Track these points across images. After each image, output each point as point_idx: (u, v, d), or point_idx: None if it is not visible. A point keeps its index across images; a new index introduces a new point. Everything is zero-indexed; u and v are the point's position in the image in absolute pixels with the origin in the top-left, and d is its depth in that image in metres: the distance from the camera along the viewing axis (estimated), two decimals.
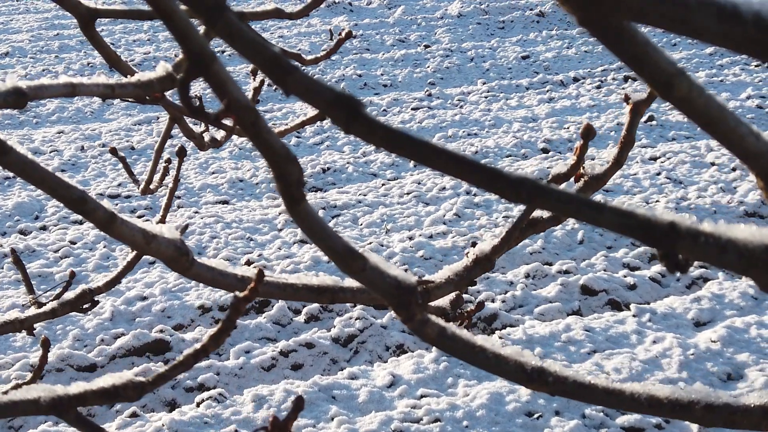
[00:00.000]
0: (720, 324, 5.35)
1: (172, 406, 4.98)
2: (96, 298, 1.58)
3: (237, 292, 0.79)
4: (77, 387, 0.74)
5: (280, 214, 7.48)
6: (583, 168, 1.17)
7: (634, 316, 5.52)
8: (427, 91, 11.20)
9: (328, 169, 8.62)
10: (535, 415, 4.62)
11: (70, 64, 12.92)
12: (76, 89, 1.02)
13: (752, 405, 0.68)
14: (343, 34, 1.81)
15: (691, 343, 5.13)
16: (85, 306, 1.57)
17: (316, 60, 1.82)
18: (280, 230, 7.20)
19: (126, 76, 1.69)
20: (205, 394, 4.93)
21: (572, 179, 1.22)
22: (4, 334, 1.57)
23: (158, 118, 10.32)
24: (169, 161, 2.05)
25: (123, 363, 5.37)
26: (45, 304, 1.56)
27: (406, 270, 6.36)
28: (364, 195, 7.87)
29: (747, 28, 0.45)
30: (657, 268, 6.27)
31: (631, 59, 0.50)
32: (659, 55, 0.50)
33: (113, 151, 2.04)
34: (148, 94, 1.08)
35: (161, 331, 5.61)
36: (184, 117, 1.88)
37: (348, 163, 8.74)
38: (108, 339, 5.57)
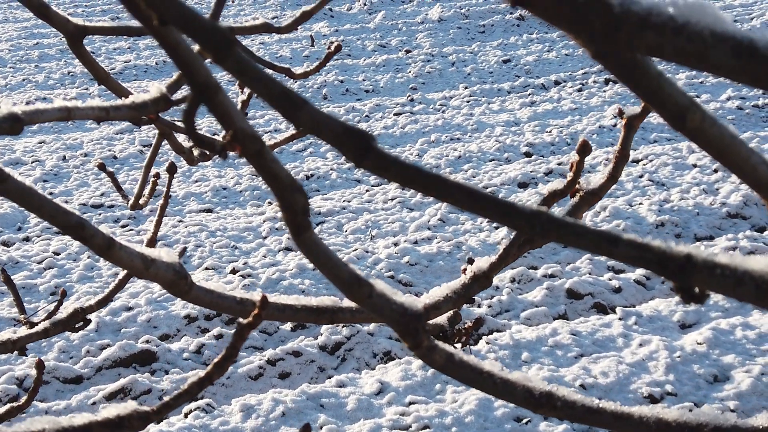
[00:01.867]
0: (705, 326, 5.37)
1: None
2: (88, 317, 1.56)
3: (240, 319, 0.79)
4: (82, 418, 0.73)
5: (264, 221, 7.46)
6: (579, 183, 1.17)
7: (620, 319, 5.54)
8: (409, 96, 11.20)
9: (312, 176, 8.61)
10: (524, 421, 4.62)
11: (50, 74, 12.86)
12: (72, 113, 1.01)
13: (760, 427, 0.68)
14: (333, 48, 1.80)
15: (678, 346, 5.15)
16: (77, 325, 1.56)
17: (305, 74, 1.81)
18: (265, 238, 7.18)
19: (115, 93, 1.68)
20: (193, 405, 4.91)
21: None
22: None
23: (140, 127, 10.27)
24: (157, 176, 2.04)
25: (109, 374, 5.35)
26: (37, 324, 1.54)
27: (392, 276, 6.36)
28: (348, 201, 7.87)
29: (763, 63, 0.45)
30: (641, 270, 6.29)
31: (645, 92, 0.50)
32: (672, 88, 0.50)
33: (101, 167, 2.03)
34: (143, 115, 1.08)
35: (147, 341, 5.59)
36: (174, 132, 1.88)
37: (331, 169, 8.73)
38: (94, 350, 5.54)
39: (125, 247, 0.94)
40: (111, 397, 5.04)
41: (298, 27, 1.73)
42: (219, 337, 5.64)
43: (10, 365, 5.39)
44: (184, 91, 1.41)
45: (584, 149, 1.12)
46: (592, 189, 1.19)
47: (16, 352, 4.38)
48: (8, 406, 1.35)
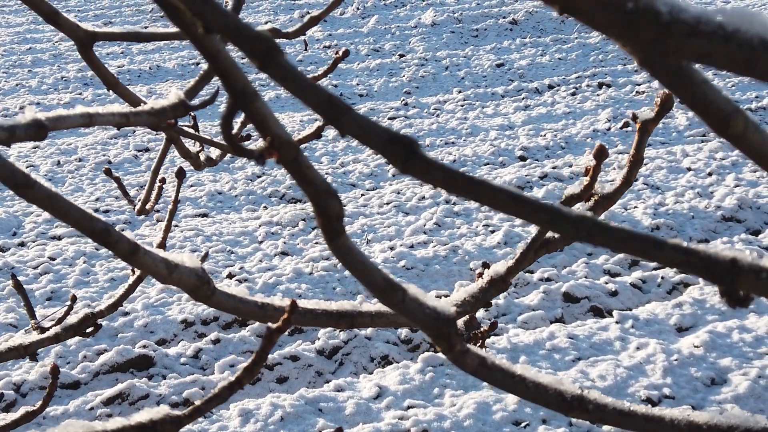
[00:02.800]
0: (702, 329, 5.39)
1: None
2: (99, 322, 1.57)
3: (270, 324, 0.79)
4: (115, 422, 0.74)
5: (260, 226, 7.46)
6: (593, 187, 1.18)
7: (617, 322, 5.55)
8: (403, 100, 11.22)
9: None
10: (523, 424, 4.63)
11: (43, 79, 12.84)
12: (93, 119, 1.02)
13: None
14: (341, 54, 1.81)
15: (675, 349, 5.16)
16: (88, 330, 1.56)
17: (316, 78, 1.82)
18: (261, 242, 7.18)
19: (124, 99, 1.69)
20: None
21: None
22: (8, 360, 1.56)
23: (134, 131, 10.27)
24: (163, 181, 2.04)
25: (107, 380, 5.34)
26: (47, 329, 1.55)
27: None
28: (344, 205, 7.85)
29: None
30: (637, 274, 6.31)
31: (690, 99, 0.51)
32: (716, 94, 0.51)
33: (107, 172, 2.03)
34: (162, 121, 1.08)
35: (144, 346, 5.58)
36: (181, 137, 1.88)
37: (326, 173, 8.73)
38: (91, 355, 5.53)
39: (149, 252, 0.94)
40: (109, 403, 5.04)
41: (306, 32, 1.73)
42: (216, 341, 5.63)
43: (7, 370, 5.38)
44: (202, 97, 1.42)
45: (601, 154, 1.13)
46: (607, 193, 1.20)
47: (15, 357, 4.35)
48: (23, 410, 1.36)
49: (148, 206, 2.01)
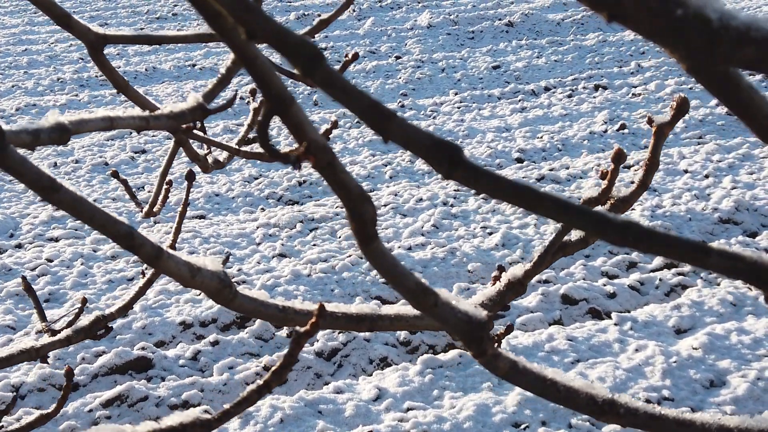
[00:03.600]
0: (701, 331, 5.40)
1: None
2: (110, 324, 1.57)
3: (298, 327, 0.80)
4: (145, 426, 0.74)
5: (257, 228, 7.46)
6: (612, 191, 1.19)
7: (615, 324, 5.56)
8: (400, 102, 11.22)
9: (304, 182, 8.61)
10: (522, 426, 4.63)
11: (39, 80, 12.82)
12: (114, 123, 1.02)
13: None
14: (350, 56, 1.81)
15: (673, 351, 5.17)
16: (99, 332, 1.56)
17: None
18: (259, 244, 7.18)
19: (134, 102, 1.69)
20: (191, 412, 4.89)
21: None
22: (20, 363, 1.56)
23: (131, 133, 10.26)
24: (170, 183, 2.04)
25: (105, 381, 5.33)
26: (59, 332, 1.55)
27: (386, 283, 6.36)
28: (342, 207, 7.87)
29: None
30: (635, 276, 6.32)
31: (737, 106, 0.51)
32: (762, 101, 0.51)
33: (115, 174, 2.03)
34: (181, 124, 1.08)
35: (143, 348, 5.57)
36: (189, 139, 1.88)
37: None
38: (89, 357, 5.53)
39: (173, 256, 0.94)
40: (108, 404, 5.03)
41: (315, 35, 1.73)
42: (215, 343, 5.63)
43: (5, 372, 5.37)
44: (219, 101, 1.41)
45: (619, 157, 1.13)
46: (623, 197, 1.20)
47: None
48: (38, 413, 1.35)
49: (155, 209, 2.01)
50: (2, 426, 1.34)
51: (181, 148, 2.02)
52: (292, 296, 6.14)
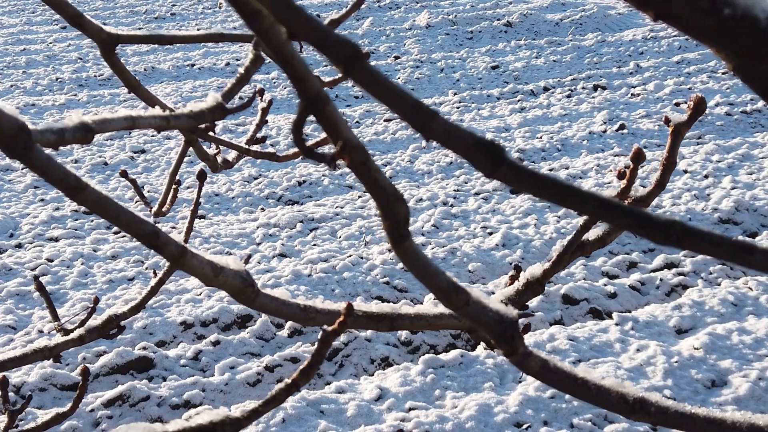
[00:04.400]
0: (702, 331, 5.40)
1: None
2: (122, 324, 1.57)
3: (326, 326, 0.80)
4: (175, 424, 0.74)
5: (258, 228, 7.46)
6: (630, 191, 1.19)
7: (616, 324, 5.57)
8: None
9: (304, 182, 8.61)
10: (524, 426, 4.64)
11: (38, 80, 12.81)
12: (136, 122, 1.02)
13: None
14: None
15: (675, 351, 5.17)
16: (112, 332, 1.56)
17: (334, 82, 1.82)
18: (259, 244, 7.18)
19: (145, 101, 1.69)
20: (192, 411, 4.89)
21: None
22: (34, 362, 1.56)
23: (130, 133, 10.25)
24: (178, 183, 2.04)
25: (107, 381, 5.33)
26: (71, 332, 1.55)
27: (387, 282, 6.37)
28: (341, 207, 7.87)
29: None
30: (636, 276, 6.32)
31: None
32: None
33: (123, 174, 2.03)
34: (201, 124, 1.08)
35: (144, 348, 5.57)
36: (198, 139, 1.88)
37: (323, 175, 8.74)
38: (90, 357, 5.53)
39: (196, 255, 0.95)
40: (109, 404, 5.03)
41: None
42: (216, 343, 5.63)
43: (7, 372, 5.36)
44: (235, 101, 1.42)
45: (638, 157, 1.13)
46: (641, 196, 1.20)
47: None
48: (54, 412, 1.36)
49: (164, 209, 2.01)
50: (17, 425, 1.34)
51: (186, 148, 2.02)
52: (294, 296, 6.14)
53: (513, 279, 1.22)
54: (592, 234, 1.18)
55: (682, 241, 0.52)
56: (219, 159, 1.99)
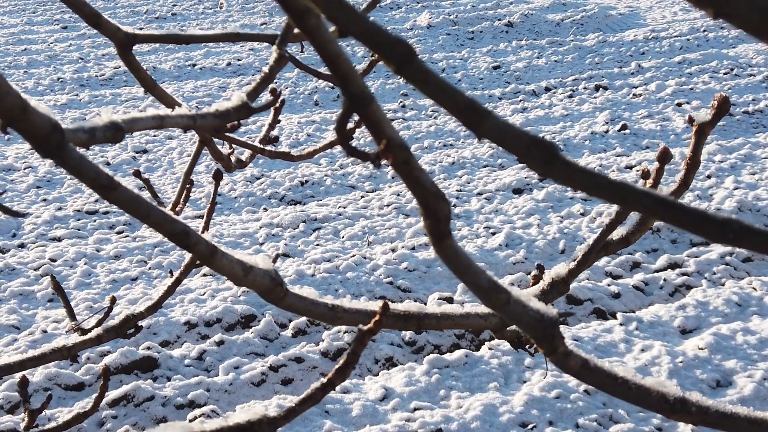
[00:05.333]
0: (706, 331, 5.40)
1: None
2: (139, 323, 1.57)
3: (361, 326, 0.80)
4: (213, 423, 0.74)
5: (260, 228, 7.45)
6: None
7: (620, 324, 5.56)
8: (401, 102, 11.22)
9: (307, 182, 8.61)
10: (530, 426, 4.64)
11: (39, 80, 12.80)
12: (164, 121, 1.02)
13: None
14: (375, 56, 1.81)
15: (679, 351, 5.17)
16: (129, 331, 1.56)
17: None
18: (262, 244, 7.17)
19: (161, 101, 1.69)
20: (197, 411, 4.90)
21: None
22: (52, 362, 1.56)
23: (132, 133, 10.23)
24: (192, 183, 2.04)
25: (111, 381, 5.32)
26: (88, 331, 1.55)
27: (390, 282, 6.37)
28: (344, 207, 7.87)
29: None
30: (639, 276, 6.32)
31: None
32: None
33: (137, 174, 2.03)
34: (226, 123, 1.08)
35: (148, 348, 5.57)
36: (213, 139, 1.88)
37: (326, 175, 8.73)
38: (94, 357, 5.52)
39: (226, 254, 0.94)
40: (114, 404, 5.03)
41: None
42: (220, 343, 5.63)
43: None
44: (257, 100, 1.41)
45: (665, 157, 1.13)
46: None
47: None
48: (75, 412, 1.35)
49: (177, 208, 2.01)
50: (37, 424, 1.34)
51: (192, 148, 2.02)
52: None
53: (536, 279, 1.22)
54: (616, 234, 1.18)
55: (739, 239, 0.52)
56: (233, 159, 1.99)
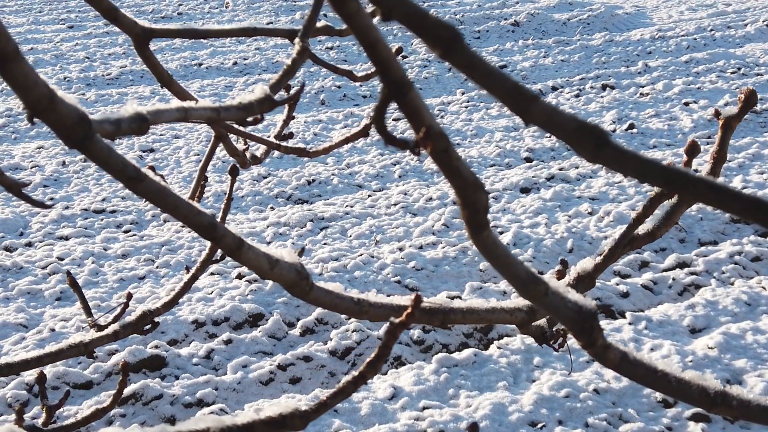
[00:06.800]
0: (716, 330, 5.39)
1: (171, 422, 4.93)
2: (156, 320, 1.56)
3: (393, 318, 0.79)
4: (245, 417, 0.73)
5: (268, 226, 7.45)
6: None
7: (630, 323, 5.55)
8: None
9: (313, 181, 8.60)
10: (539, 425, 4.62)
11: (45, 79, 12.79)
12: (188, 113, 1.01)
13: None
14: (394, 50, 1.80)
15: (689, 350, 5.16)
16: (146, 327, 1.55)
17: (366, 77, 1.81)
18: (269, 243, 7.16)
19: (177, 96, 1.68)
20: (206, 410, 4.89)
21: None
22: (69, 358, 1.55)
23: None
24: (205, 179, 2.03)
25: (119, 380, 5.31)
26: (105, 327, 1.54)
27: (398, 281, 6.36)
28: (351, 206, 7.86)
29: None
30: (648, 275, 6.30)
31: None
32: None
33: (151, 169, 2.02)
34: (249, 116, 1.07)
35: (156, 346, 5.56)
36: (229, 135, 1.87)
37: (333, 174, 8.72)
38: (102, 356, 5.52)
39: (253, 248, 0.93)
40: (122, 403, 5.02)
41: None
42: (228, 342, 5.62)
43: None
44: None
45: (693, 150, 1.12)
46: None
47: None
48: (93, 408, 1.35)
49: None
50: (55, 420, 1.33)
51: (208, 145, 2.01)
52: None
53: (560, 274, 1.21)
54: (642, 228, 1.17)
55: None
56: (248, 155, 1.98)
